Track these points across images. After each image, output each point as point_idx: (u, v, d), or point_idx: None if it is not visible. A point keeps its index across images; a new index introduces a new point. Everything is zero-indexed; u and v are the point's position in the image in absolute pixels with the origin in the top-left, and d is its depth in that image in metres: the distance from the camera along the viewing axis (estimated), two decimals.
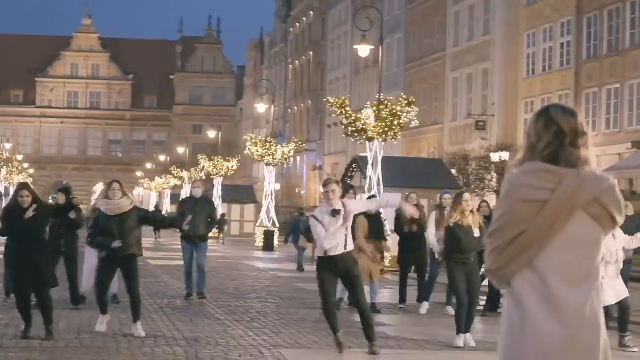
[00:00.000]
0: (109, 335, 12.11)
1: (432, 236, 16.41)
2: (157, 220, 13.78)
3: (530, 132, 3.81)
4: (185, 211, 16.56)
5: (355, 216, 12.44)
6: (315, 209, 11.84)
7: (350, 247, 11.14)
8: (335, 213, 10.93)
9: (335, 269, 11.06)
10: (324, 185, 11.26)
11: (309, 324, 14.20)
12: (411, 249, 17.03)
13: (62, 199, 15.62)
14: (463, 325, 12.08)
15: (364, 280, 16.21)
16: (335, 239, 10.91)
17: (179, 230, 17.95)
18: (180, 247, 18.13)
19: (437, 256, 16.54)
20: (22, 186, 11.80)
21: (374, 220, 16.24)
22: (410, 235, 16.99)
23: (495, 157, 41.28)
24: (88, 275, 15.75)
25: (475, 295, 12.34)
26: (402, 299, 17.32)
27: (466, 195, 12.42)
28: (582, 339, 3.64)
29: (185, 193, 67.99)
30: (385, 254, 25.17)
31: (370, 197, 18.14)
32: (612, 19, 38.47)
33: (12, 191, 66.18)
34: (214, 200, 17.35)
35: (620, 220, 3.74)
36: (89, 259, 15.71)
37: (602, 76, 38.86)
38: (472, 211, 12.28)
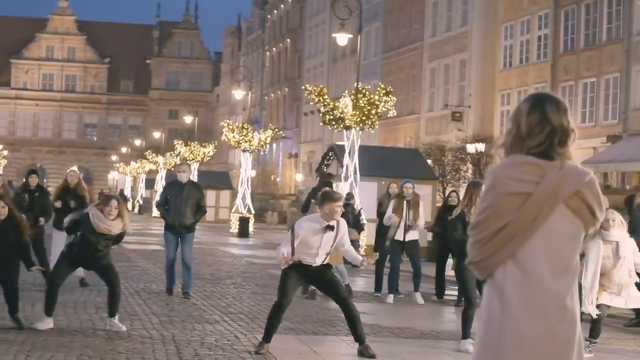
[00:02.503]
0: (85, 318, 12.11)
1: (388, 215, 16.51)
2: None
3: (520, 122, 3.77)
4: (170, 197, 15.61)
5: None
6: (303, 217, 11.16)
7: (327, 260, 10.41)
8: (328, 229, 10.14)
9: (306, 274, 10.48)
10: (337, 200, 10.22)
11: None
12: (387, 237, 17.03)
13: (35, 181, 15.71)
14: (471, 328, 11.15)
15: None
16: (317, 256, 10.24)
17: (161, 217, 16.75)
18: (162, 235, 16.66)
19: (388, 223, 16.54)
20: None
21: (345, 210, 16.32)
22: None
23: (471, 148, 41.43)
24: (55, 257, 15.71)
25: None
26: (378, 287, 17.39)
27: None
28: (559, 332, 3.69)
29: (160, 177, 67.92)
30: (360, 242, 25.21)
31: (346, 198, 17.75)
32: (589, 12, 38.67)
33: None
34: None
35: (600, 216, 3.76)
36: (57, 241, 15.53)
37: (578, 70, 39.06)
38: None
